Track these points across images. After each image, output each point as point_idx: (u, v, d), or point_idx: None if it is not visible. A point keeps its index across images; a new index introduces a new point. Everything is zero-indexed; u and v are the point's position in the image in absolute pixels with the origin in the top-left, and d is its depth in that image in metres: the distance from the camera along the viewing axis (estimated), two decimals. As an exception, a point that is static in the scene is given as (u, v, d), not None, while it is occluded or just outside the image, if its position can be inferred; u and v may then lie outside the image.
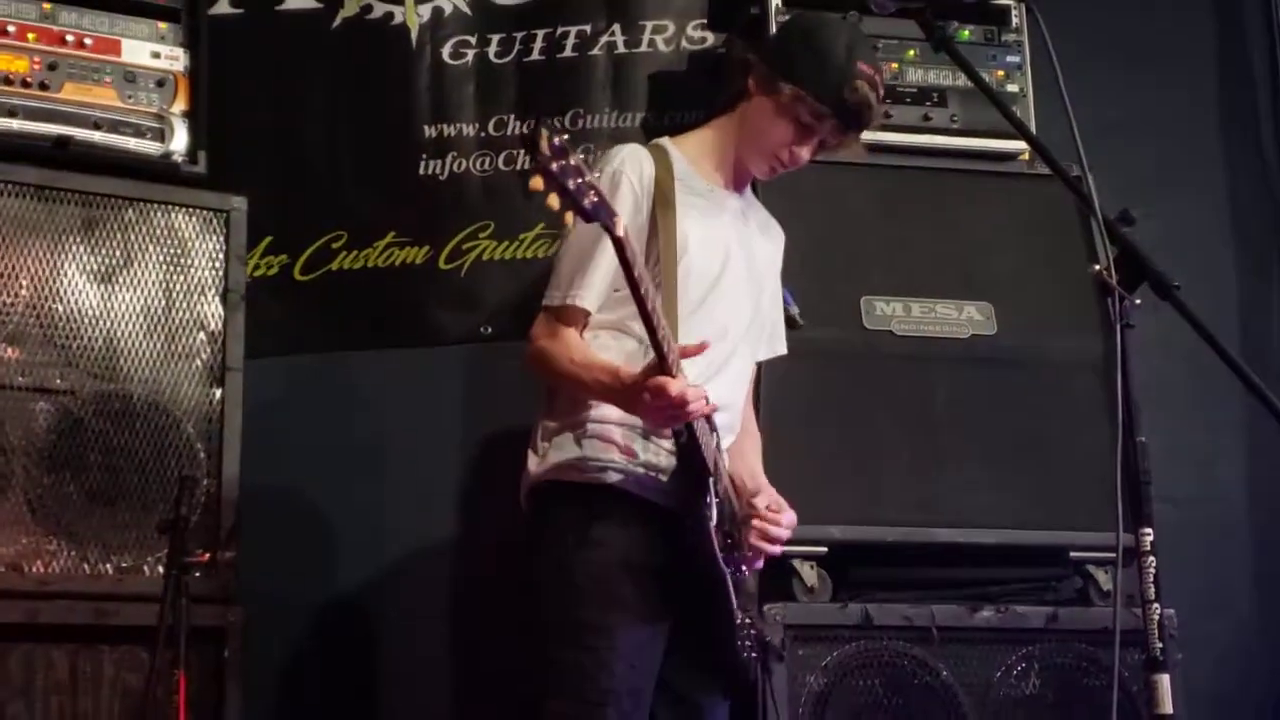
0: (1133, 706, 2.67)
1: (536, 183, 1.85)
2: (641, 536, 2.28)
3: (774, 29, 3.01)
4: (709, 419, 2.24)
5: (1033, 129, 3.02)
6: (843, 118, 2.36)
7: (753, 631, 2.38)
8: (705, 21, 3.52)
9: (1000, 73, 3.18)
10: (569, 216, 1.91)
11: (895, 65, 3.14)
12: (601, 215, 1.95)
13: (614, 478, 2.29)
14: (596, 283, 2.32)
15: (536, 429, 2.40)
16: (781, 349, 2.65)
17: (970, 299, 2.99)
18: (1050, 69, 2.14)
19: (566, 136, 1.87)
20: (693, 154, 2.47)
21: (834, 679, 2.72)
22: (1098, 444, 2.80)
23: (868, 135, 3.05)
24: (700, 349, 2.18)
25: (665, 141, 2.47)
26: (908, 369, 2.94)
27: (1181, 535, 3.25)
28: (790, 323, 2.84)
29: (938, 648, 2.75)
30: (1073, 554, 2.89)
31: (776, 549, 2.39)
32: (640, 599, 2.26)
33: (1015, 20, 3.21)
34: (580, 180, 1.89)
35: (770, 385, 2.76)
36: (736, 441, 2.48)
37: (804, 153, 2.42)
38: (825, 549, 2.79)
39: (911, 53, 3.16)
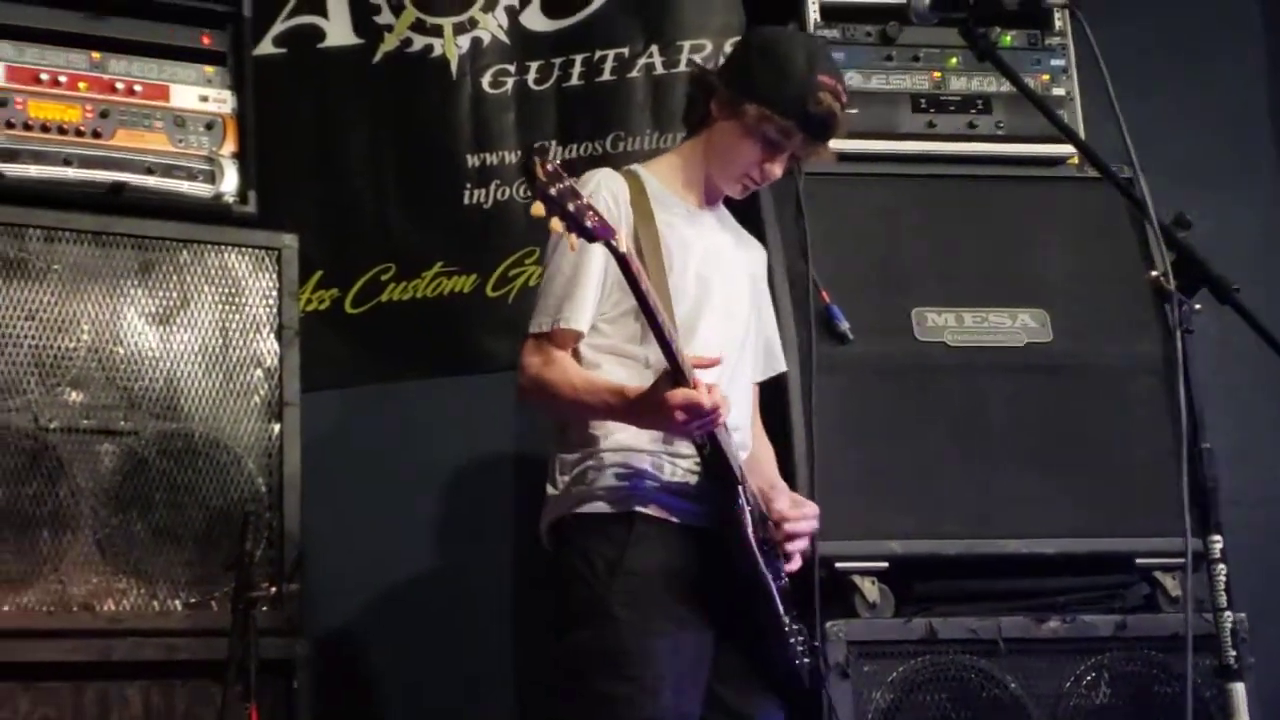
0: (1205, 713, 2.64)
1: (538, 208, 1.93)
2: (675, 559, 2.27)
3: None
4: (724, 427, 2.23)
5: (1080, 132, 2.99)
6: (809, 131, 2.38)
7: (802, 636, 2.36)
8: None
9: (1045, 76, 3.15)
10: (572, 238, 1.98)
11: (938, 74, 3.13)
12: (603, 234, 2.01)
13: (642, 504, 2.28)
14: (586, 303, 2.33)
15: (553, 461, 2.39)
16: (780, 367, 2.64)
17: (1024, 306, 2.97)
18: (1096, 70, 2.12)
19: (559, 162, 1.91)
20: (665, 177, 2.49)
21: (900, 695, 2.69)
22: (1159, 449, 2.77)
23: (912, 146, 3.09)
24: (714, 361, 2.19)
25: (636, 167, 2.50)
26: (962, 379, 2.91)
27: (1248, 537, 3.21)
28: (840, 338, 2.83)
29: (1005, 660, 2.72)
30: (1138, 560, 2.85)
31: (805, 543, 2.38)
32: (680, 623, 2.25)
33: (1059, 24, 3.18)
34: (578, 202, 1.97)
35: (823, 401, 2.75)
36: (750, 457, 2.47)
37: (775, 169, 2.44)
38: (886, 564, 2.77)
39: (954, 60, 3.14)
